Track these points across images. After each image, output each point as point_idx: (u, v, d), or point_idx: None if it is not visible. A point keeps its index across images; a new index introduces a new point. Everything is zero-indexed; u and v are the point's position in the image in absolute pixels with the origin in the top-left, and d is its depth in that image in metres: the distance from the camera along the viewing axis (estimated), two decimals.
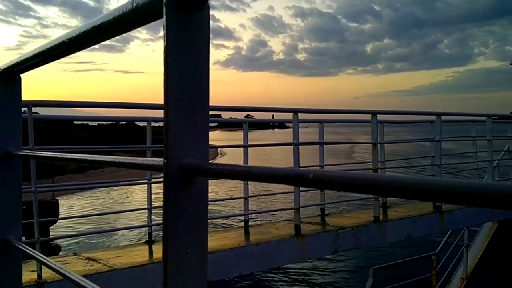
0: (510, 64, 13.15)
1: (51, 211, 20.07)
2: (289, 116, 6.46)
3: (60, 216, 20.67)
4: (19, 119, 1.80)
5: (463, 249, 9.10)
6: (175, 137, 0.88)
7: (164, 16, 0.86)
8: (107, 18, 1.07)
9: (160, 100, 0.90)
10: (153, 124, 5.59)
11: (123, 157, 1.15)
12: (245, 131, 6.02)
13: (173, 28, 0.86)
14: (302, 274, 14.51)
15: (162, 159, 0.90)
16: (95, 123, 57.30)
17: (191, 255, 0.90)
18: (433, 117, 7.43)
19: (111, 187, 30.84)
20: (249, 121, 6.39)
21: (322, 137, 6.87)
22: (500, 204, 0.47)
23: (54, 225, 21.24)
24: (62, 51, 1.35)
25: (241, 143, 5.97)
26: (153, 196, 5.54)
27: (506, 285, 9.03)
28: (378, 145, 6.79)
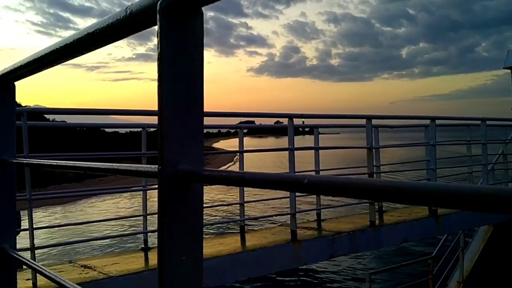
0: (503, 68, 13.14)
1: None
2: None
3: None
4: (13, 127, 1.79)
5: (459, 253, 9.11)
6: (169, 143, 0.88)
7: (158, 23, 0.86)
8: (101, 26, 1.07)
9: None
10: None
11: (117, 164, 1.14)
12: (240, 137, 6.04)
13: (167, 35, 0.86)
14: (298, 280, 14.45)
15: (157, 166, 0.90)
16: (123, 131, 58.48)
17: (186, 262, 0.90)
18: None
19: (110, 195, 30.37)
20: (244, 127, 6.40)
21: (317, 142, 6.87)
22: (495, 208, 0.47)
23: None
24: (56, 58, 1.35)
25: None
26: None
27: None
28: (374, 149, 6.80)
